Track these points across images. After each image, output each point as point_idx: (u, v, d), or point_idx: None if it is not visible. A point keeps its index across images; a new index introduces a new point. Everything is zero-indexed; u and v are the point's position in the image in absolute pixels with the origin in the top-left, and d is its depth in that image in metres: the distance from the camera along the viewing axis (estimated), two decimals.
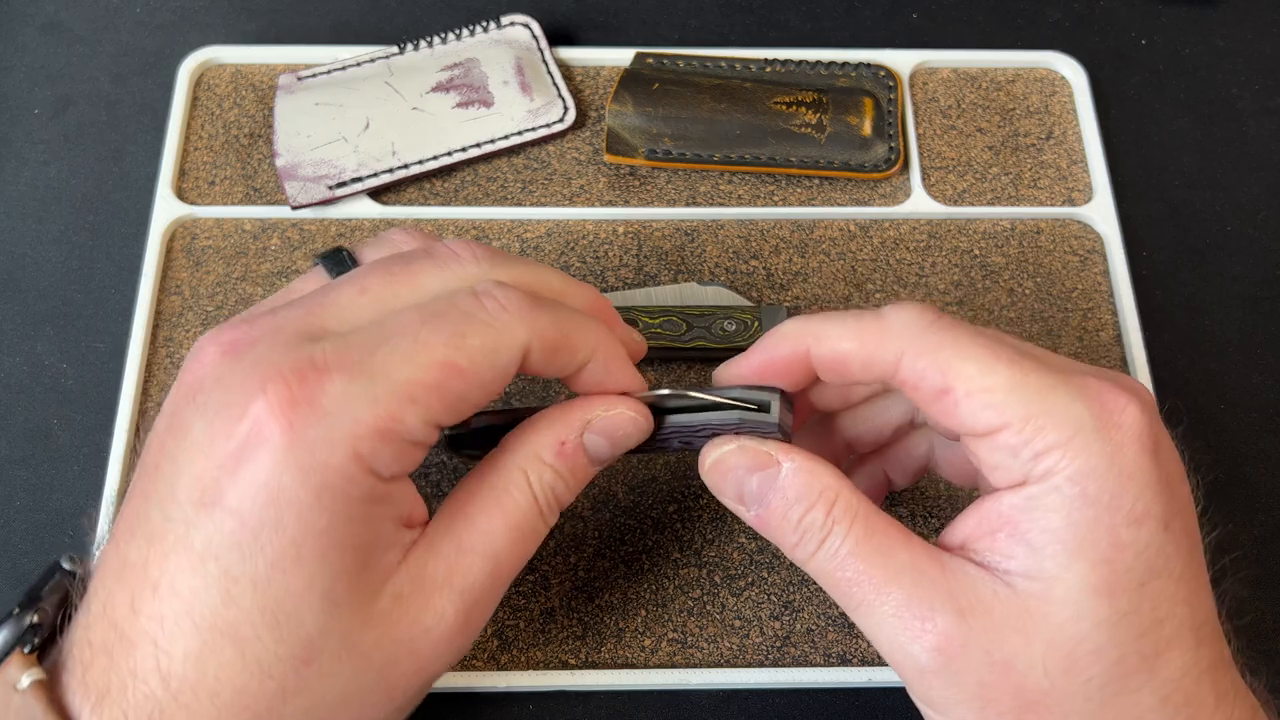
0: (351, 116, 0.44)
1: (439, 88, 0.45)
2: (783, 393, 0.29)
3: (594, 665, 0.36)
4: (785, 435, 0.29)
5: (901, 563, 0.27)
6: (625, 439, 0.30)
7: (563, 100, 0.45)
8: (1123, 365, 0.41)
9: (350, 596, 0.26)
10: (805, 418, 0.34)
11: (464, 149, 0.44)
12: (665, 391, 0.30)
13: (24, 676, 0.25)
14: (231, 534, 0.25)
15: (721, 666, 0.36)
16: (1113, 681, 0.26)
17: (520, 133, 0.45)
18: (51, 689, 0.25)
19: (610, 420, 0.30)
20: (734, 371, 0.31)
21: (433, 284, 0.28)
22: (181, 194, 0.44)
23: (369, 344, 0.26)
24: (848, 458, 0.35)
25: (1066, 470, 0.26)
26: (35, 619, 0.26)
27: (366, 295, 0.28)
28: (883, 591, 0.27)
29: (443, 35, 0.47)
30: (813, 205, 0.44)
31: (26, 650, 0.26)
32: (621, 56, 0.47)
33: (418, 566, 0.27)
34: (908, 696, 0.29)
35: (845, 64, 0.47)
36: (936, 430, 0.32)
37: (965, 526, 0.28)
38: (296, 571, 0.25)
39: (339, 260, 0.31)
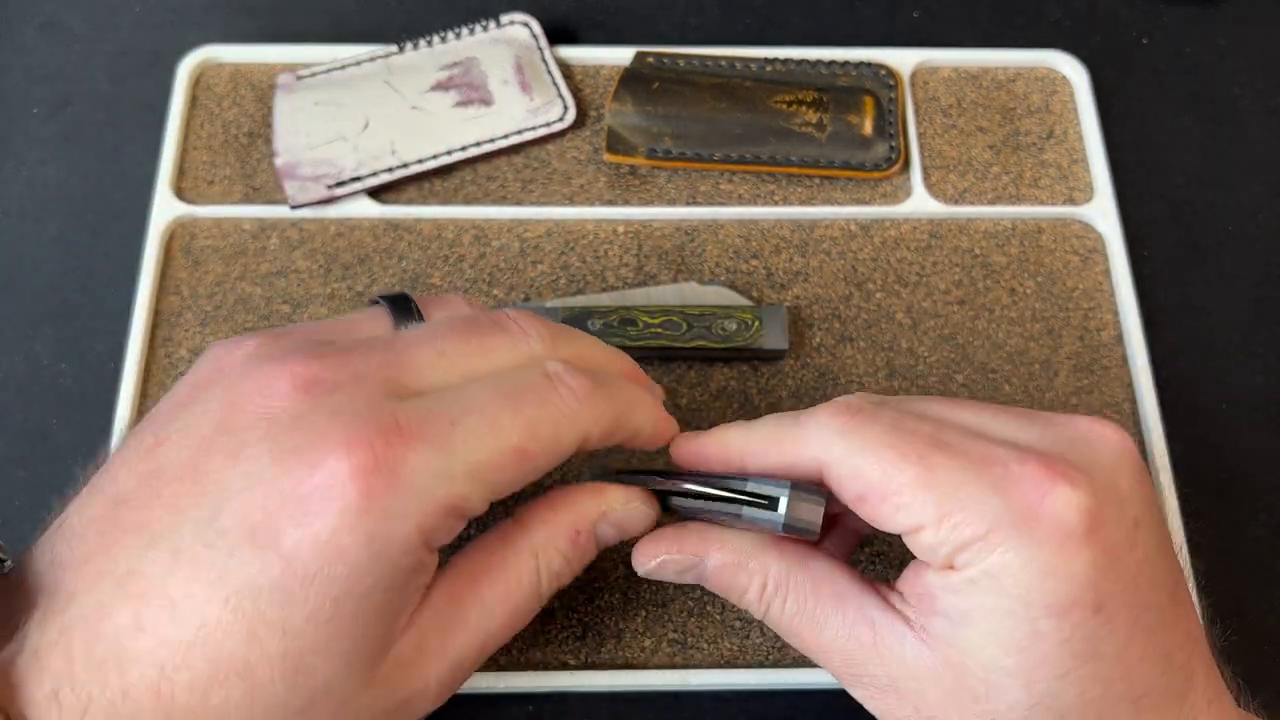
0: (351, 116, 0.44)
1: (438, 87, 0.45)
2: (795, 484, 0.29)
3: (594, 666, 0.36)
4: (802, 530, 0.29)
5: (834, 633, 0.29)
6: (635, 530, 0.31)
7: (562, 99, 0.45)
8: (1124, 365, 0.41)
9: (364, 658, 0.26)
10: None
11: (464, 148, 0.44)
12: (688, 486, 0.31)
13: None
14: (277, 579, 0.24)
15: (721, 667, 0.36)
16: None
17: (520, 132, 0.44)
18: (8, 707, 0.24)
19: (625, 514, 0.31)
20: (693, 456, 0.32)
21: (505, 357, 0.29)
22: (180, 193, 0.44)
23: (448, 416, 0.26)
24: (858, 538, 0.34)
25: (982, 564, 0.26)
26: None
27: (444, 359, 0.28)
28: (824, 655, 0.29)
29: (442, 34, 0.46)
30: (813, 205, 0.44)
31: None
32: (621, 55, 0.47)
33: (421, 634, 0.27)
34: None
35: (846, 63, 0.47)
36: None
37: (904, 584, 0.29)
38: (329, 628, 0.25)
39: (405, 309, 0.31)
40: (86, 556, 0.25)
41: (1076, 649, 0.26)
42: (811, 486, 0.29)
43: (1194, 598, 0.37)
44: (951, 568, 0.27)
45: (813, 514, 0.29)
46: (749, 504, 0.29)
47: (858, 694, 0.29)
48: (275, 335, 0.29)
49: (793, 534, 0.29)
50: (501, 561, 0.29)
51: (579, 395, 0.28)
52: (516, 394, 0.27)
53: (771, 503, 0.29)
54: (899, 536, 0.28)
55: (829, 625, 0.29)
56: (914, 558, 0.28)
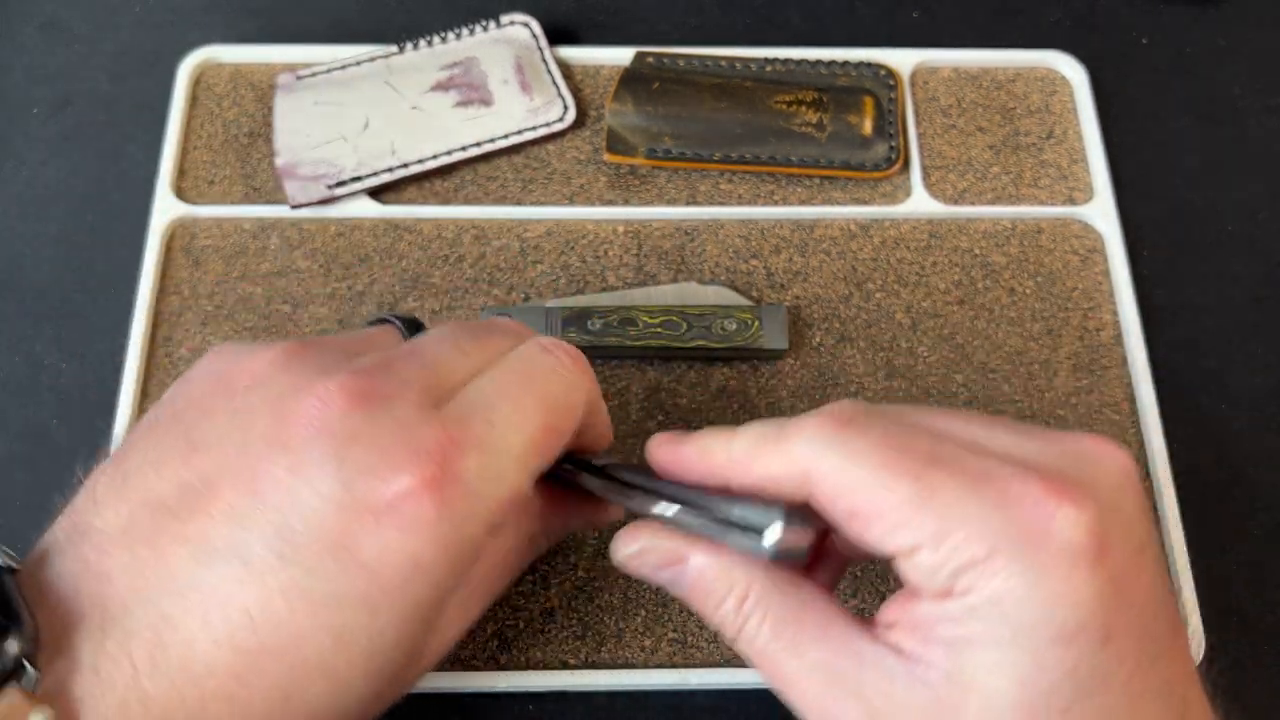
0: (351, 116, 0.44)
1: (438, 87, 0.45)
2: (786, 510, 0.27)
3: (594, 665, 0.36)
4: (793, 557, 0.27)
5: (814, 660, 0.26)
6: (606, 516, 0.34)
7: (562, 99, 0.45)
8: (1123, 365, 0.41)
9: (423, 640, 0.28)
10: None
11: (464, 148, 0.44)
12: (669, 502, 0.29)
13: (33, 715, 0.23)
14: (363, 590, 0.25)
15: (721, 666, 0.36)
16: None
17: (520, 132, 0.44)
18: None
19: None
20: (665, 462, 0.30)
21: (506, 344, 0.30)
22: (181, 193, 0.44)
23: (484, 415, 0.28)
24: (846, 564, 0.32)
25: (984, 590, 0.24)
26: (18, 647, 0.23)
27: (466, 357, 0.29)
28: (796, 686, 0.27)
29: (442, 34, 0.47)
30: (813, 205, 0.44)
31: (20, 683, 0.23)
32: (621, 55, 0.47)
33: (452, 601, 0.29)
34: None
35: (846, 63, 0.47)
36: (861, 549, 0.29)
37: (892, 613, 0.26)
38: (409, 626, 0.26)
39: (417, 327, 0.33)
40: (133, 567, 0.25)
41: (1082, 681, 0.24)
42: (799, 510, 0.27)
43: (1194, 598, 0.37)
44: (949, 594, 0.25)
45: (803, 540, 0.27)
46: (736, 529, 0.27)
47: None
48: (301, 345, 0.29)
49: (782, 560, 0.27)
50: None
51: (573, 361, 0.30)
52: (528, 374, 0.29)
53: (757, 531, 0.27)
54: (888, 561, 0.26)
55: (809, 652, 0.27)
56: (898, 586, 0.27)
